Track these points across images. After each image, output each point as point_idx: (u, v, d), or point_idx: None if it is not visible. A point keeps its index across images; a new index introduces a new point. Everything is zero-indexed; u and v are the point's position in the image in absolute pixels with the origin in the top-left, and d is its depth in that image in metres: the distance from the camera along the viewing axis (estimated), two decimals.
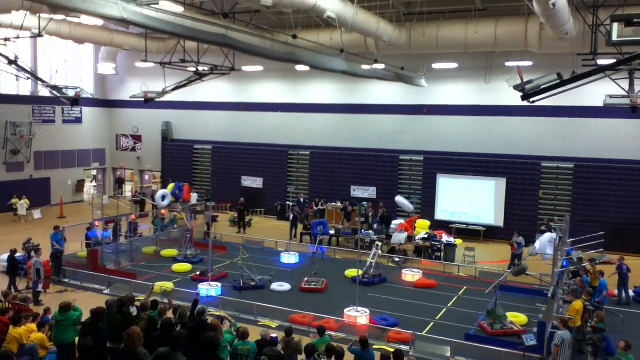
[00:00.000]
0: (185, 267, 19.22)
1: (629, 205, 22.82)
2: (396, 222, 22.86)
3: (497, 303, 14.27)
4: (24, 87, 30.33)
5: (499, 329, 13.87)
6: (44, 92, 28.74)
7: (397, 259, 20.59)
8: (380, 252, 18.97)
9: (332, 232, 23.32)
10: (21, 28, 20.08)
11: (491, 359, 12.26)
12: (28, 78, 23.50)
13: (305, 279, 17.91)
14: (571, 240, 18.31)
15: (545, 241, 17.04)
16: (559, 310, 13.77)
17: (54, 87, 21.00)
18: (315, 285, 17.50)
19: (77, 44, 28.75)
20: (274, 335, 9.93)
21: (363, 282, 17.17)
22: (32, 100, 30.79)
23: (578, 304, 12.52)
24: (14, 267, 16.83)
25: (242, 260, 17.47)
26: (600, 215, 23.12)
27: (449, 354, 12.39)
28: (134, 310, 10.32)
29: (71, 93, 20.66)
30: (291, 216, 24.30)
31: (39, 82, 23.11)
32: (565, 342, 10.69)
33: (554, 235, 16.29)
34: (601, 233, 18.32)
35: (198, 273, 18.23)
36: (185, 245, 20.76)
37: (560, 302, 14.31)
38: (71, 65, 32.64)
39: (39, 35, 19.62)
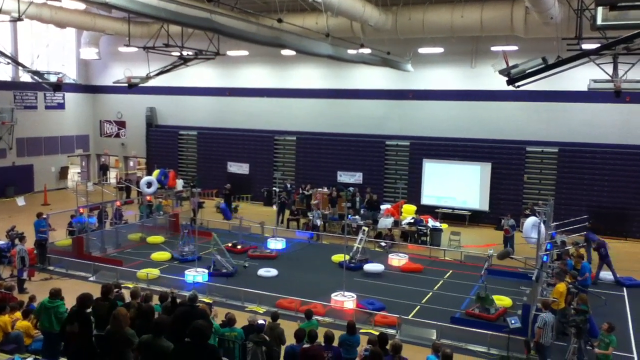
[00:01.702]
0: (165, 255, 18.76)
1: (612, 189, 23.10)
2: (382, 207, 22.91)
3: (486, 288, 14.40)
4: (5, 73, 29.73)
5: (493, 312, 13.99)
6: (26, 77, 28.24)
7: (383, 244, 20.71)
8: (366, 237, 19.05)
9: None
10: (0, 11, 19.59)
11: (477, 341, 12.42)
12: (8, 63, 23.05)
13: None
14: (555, 223, 18.52)
15: (528, 225, 17.23)
16: (543, 293, 13.96)
17: (36, 73, 20.66)
18: (260, 252, 19.38)
19: (58, 28, 28.23)
20: (260, 321, 9.94)
21: (350, 266, 17.25)
22: (13, 85, 30.24)
23: (561, 287, 12.68)
24: None
25: (214, 247, 17.72)
26: (584, 199, 23.39)
27: (434, 337, 12.51)
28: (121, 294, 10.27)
29: (53, 78, 20.35)
30: (277, 202, 24.20)
31: (20, 67, 22.70)
32: (548, 324, 10.85)
33: (537, 219, 16.47)
34: (585, 217, 18.60)
35: (230, 244, 18.71)
36: (182, 240, 19.18)
37: (544, 284, 14.51)
38: (53, 50, 32.06)
39: (19, 19, 19.16)
